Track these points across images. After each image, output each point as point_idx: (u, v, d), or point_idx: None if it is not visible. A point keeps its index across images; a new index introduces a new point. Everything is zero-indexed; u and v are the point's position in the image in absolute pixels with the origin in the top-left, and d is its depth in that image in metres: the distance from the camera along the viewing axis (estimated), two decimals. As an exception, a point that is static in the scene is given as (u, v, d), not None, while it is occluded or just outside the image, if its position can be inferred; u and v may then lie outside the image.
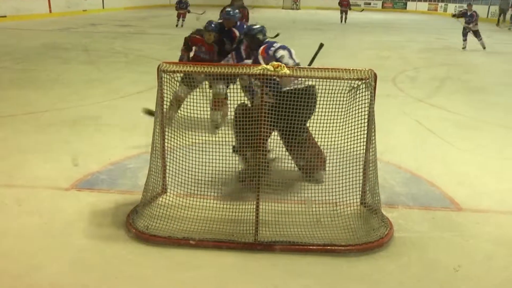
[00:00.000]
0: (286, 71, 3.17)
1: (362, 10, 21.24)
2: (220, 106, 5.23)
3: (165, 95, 3.50)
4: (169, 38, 15.28)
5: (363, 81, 3.23)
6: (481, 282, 2.97)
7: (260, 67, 3.22)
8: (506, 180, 4.51)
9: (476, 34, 13.82)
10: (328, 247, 3.14)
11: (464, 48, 13.84)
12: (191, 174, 3.47)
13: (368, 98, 3.30)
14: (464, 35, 13.91)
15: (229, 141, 3.61)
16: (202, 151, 3.51)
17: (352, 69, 3.28)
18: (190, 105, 3.51)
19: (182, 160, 3.50)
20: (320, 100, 3.35)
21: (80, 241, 3.25)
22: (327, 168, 3.81)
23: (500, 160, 5.03)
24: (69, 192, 3.97)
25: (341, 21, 23.58)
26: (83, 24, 20.33)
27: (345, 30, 20.14)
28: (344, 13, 23.70)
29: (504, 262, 3.19)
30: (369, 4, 39.35)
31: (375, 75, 3.31)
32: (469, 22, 13.84)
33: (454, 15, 15.83)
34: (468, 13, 13.95)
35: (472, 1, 14.89)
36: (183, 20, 20.09)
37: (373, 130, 3.40)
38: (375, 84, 3.32)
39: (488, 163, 4.93)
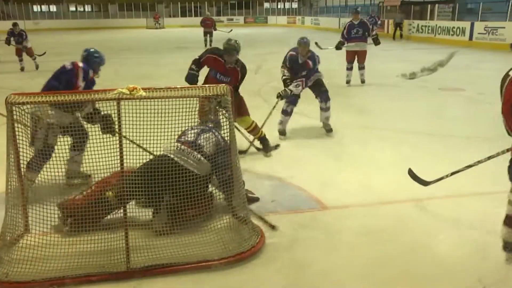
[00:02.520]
0: (142, 93, 3.16)
1: (231, 30, 20.90)
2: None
3: (17, 129, 3.29)
4: (30, 66, 14.32)
5: (220, 97, 3.33)
6: (346, 272, 3.20)
7: (116, 91, 3.17)
8: (362, 174, 4.91)
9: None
10: (203, 263, 3.17)
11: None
12: (55, 209, 3.29)
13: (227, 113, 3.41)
14: None
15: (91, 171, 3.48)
16: (63, 183, 3.35)
17: (208, 86, 3.37)
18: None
19: (44, 196, 3.31)
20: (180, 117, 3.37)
21: None
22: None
23: (356, 156, 5.46)
24: None
25: (206, 45, 19.37)
26: None
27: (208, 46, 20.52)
28: (208, 35, 20.04)
29: (364, 250, 3.47)
30: (232, 19, 40.61)
31: (231, 90, 3.43)
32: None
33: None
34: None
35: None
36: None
37: (235, 143, 3.51)
38: (232, 99, 3.45)
39: (346, 161, 5.33)
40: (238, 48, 5.20)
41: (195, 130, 3.86)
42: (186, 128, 3.83)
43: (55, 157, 3.26)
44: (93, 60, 4.58)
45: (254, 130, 5.64)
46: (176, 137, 3.74)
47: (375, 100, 9.05)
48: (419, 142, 6.01)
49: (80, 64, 4.46)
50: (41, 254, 3.16)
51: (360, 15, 10.53)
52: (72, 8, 45.29)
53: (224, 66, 5.27)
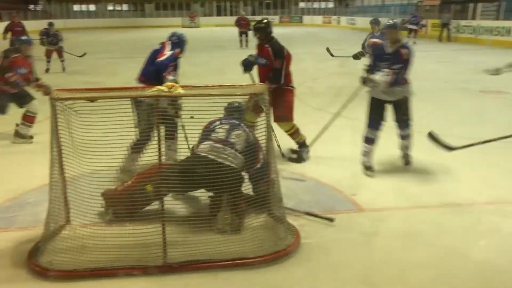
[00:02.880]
0: (181, 91, 3.20)
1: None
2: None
3: (60, 123, 3.38)
4: (67, 64, 14.69)
5: (258, 96, 3.34)
6: (382, 274, 3.16)
7: (155, 89, 3.22)
8: (400, 177, 4.84)
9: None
10: (238, 261, 3.18)
11: None
12: (95, 202, 3.37)
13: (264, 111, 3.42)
14: None
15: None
16: (103, 178, 3.43)
17: (246, 85, 3.38)
18: (88, 132, 3.40)
19: (84, 189, 3.39)
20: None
21: (-28, 288, 3.03)
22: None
23: (394, 159, 5.38)
24: (-40, 235, 3.69)
25: (241, 45, 19.54)
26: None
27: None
28: (244, 35, 19.54)
29: (401, 253, 3.43)
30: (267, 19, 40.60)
31: (269, 88, 3.44)
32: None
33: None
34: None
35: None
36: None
37: (273, 142, 3.52)
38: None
39: (384, 164, 5.26)
40: (256, 25, 5.39)
41: (225, 126, 3.86)
42: (212, 120, 3.90)
43: (98, 150, 3.33)
44: (184, 42, 5.26)
45: (294, 134, 5.44)
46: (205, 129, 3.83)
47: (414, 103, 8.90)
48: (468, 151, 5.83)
49: (167, 42, 5.15)
50: (82, 245, 3.25)
51: (378, 26, 9.16)
52: (110, 7, 46.22)
53: (258, 47, 5.42)
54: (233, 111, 4.09)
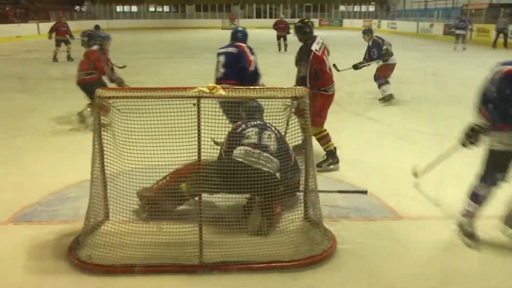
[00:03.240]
0: (222, 92, 3.22)
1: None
2: None
3: (103, 121, 3.46)
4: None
5: (298, 99, 3.33)
6: (420, 284, 3.09)
7: (196, 89, 3.25)
8: (441, 185, 4.72)
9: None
10: (273, 264, 3.17)
11: None
12: (133, 200, 3.43)
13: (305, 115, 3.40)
14: None
15: (170, 165, 3.59)
16: (142, 176, 3.48)
17: (287, 88, 3.37)
18: (129, 130, 3.47)
19: (124, 186, 3.46)
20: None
21: (16, 277, 3.12)
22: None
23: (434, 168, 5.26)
24: (5, 227, 3.81)
25: (279, 49, 19.22)
26: (17, 50, 19.73)
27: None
28: (282, 39, 19.16)
29: (439, 263, 3.34)
30: (307, 22, 40.45)
31: (310, 92, 3.42)
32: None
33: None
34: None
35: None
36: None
37: (310, 145, 3.50)
38: (310, 101, 3.43)
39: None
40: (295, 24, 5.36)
41: (254, 129, 3.83)
42: (237, 124, 3.90)
43: (139, 148, 3.40)
44: (247, 35, 5.68)
45: (321, 139, 5.22)
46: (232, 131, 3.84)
47: (453, 110, 8.70)
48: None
49: (243, 45, 5.48)
50: (120, 241, 3.31)
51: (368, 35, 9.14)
52: (152, 9, 47.06)
53: None
54: (253, 112, 4.09)
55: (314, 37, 5.16)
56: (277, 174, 3.62)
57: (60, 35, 15.54)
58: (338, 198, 4.37)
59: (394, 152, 5.88)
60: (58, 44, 15.54)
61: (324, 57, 5.13)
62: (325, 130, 5.23)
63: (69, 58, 15.37)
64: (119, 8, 45.07)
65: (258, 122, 3.94)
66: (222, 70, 5.39)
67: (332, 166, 5.20)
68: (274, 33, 20.57)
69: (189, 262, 3.18)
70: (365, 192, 4.04)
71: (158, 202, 3.67)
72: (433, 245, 3.58)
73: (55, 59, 15.34)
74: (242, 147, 3.70)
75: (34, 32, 27.94)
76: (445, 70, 9.78)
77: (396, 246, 3.55)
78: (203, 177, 3.33)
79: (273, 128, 3.88)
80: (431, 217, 4.06)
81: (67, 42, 15.57)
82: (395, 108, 7.12)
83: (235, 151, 3.70)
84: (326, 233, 3.52)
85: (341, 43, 24.71)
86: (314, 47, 5.01)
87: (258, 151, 3.66)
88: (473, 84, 4.14)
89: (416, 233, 3.75)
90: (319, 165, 5.02)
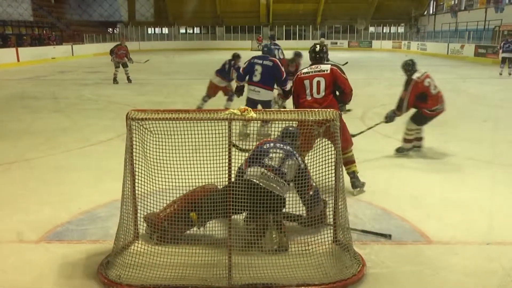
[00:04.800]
0: (253, 114, 3.24)
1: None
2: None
3: (135, 142, 3.52)
4: (140, 84, 15.39)
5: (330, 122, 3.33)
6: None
7: (228, 112, 3.28)
8: (472, 210, 4.62)
9: None
10: (302, 287, 3.14)
11: None
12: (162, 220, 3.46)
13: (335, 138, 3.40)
14: None
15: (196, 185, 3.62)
16: (172, 196, 3.51)
17: (318, 111, 3.38)
18: (161, 151, 3.52)
19: (153, 206, 3.50)
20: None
21: (48, 295, 3.17)
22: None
23: (465, 191, 5.15)
24: (38, 245, 3.88)
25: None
26: (51, 72, 20.31)
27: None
28: None
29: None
30: (336, 43, 40.56)
31: (340, 115, 3.42)
32: None
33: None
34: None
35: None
36: None
37: (341, 169, 3.48)
38: (341, 124, 3.43)
39: (454, 195, 5.04)
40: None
41: (280, 154, 3.84)
42: (265, 140, 3.95)
43: (169, 169, 3.44)
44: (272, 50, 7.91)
45: (347, 163, 5.05)
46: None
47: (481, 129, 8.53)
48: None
49: (275, 59, 7.48)
50: (149, 262, 3.33)
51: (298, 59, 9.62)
52: (182, 31, 47.96)
53: None
54: (286, 136, 4.12)
55: (316, 63, 5.23)
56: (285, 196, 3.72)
57: (120, 57, 15.73)
58: (367, 221, 4.32)
59: (424, 173, 5.79)
60: (117, 65, 15.78)
61: (307, 81, 5.07)
62: (351, 150, 5.15)
63: (128, 79, 15.67)
64: (150, 30, 46.10)
65: (288, 147, 3.94)
66: (259, 76, 7.14)
67: (359, 189, 5.07)
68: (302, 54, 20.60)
69: (217, 284, 3.17)
70: (389, 236, 3.96)
71: (166, 229, 3.64)
72: (465, 271, 3.47)
73: (115, 80, 15.59)
74: (259, 167, 3.73)
75: (68, 54, 28.79)
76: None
77: (426, 271, 3.47)
78: (212, 203, 3.38)
79: (298, 159, 3.88)
80: (463, 242, 3.96)
81: (125, 65, 15.79)
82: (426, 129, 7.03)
83: (251, 170, 3.73)
84: (356, 256, 3.48)
85: (371, 64, 24.63)
86: (304, 70, 5.23)
87: (273, 174, 3.70)
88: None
89: (447, 258, 3.65)
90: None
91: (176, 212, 3.72)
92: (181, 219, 3.62)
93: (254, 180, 3.65)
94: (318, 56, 5.25)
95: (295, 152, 3.91)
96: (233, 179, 3.43)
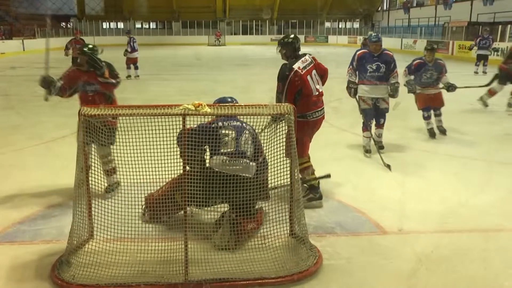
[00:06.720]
0: (208, 109, 3.23)
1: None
2: None
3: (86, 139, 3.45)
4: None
5: (283, 116, 3.35)
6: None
7: (182, 107, 3.25)
8: (425, 200, 4.76)
9: None
10: (259, 281, 3.17)
11: None
12: (117, 218, 3.41)
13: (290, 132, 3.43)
14: None
15: (155, 182, 3.59)
16: (128, 193, 3.46)
17: (272, 105, 3.39)
18: (115, 148, 3.46)
19: (108, 204, 3.44)
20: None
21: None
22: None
23: (418, 181, 5.31)
24: (-13, 247, 3.75)
25: None
26: (1, 67, 19.60)
27: (270, 64, 20.61)
28: None
29: (425, 277, 3.36)
30: (293, 38, 40.73)
31: (295, 109, 3.44)
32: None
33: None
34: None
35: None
36: None
37: (295, 161, 3.51)
38: (295, 118, 3.45)
39: (408, 185, 5.19)
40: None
41: (231, 133, 3.73)
42: (211, 120, 3.78)
43: (123, 165, 3.39)
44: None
45: (303, 171, 4.62)
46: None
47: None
48: (491, 171, 5.75)
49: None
50: (105, 260, 3.27)
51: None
52: (138, 25, 47.13)
53: None
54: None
55: (301, 55, 4.76)
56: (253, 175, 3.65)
57: (75, 52, 15.05)
58: (323, 213, 4.39)
59: (380, 166, 5.92)
60: (74, 62, 15.03)
61: (309, 77, 4.66)
62: (307, 161, 4.73)
63: None
64: (105, 25, 45.10)
65: (236, 123, 3.81)
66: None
67: (314, 202, 4.60)
68: (259, 49, 20.73)
69: (174, 280, 3.15)
70: (328, 176, 4.55)
71: (157, 209, 3.78)
72: (418, 260, 3.58)
73: None
74: (219, 157, 3.67)
75: (19, 49, 27.81)
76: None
77: (381, 261, 3.56)
78: (189, 186, 3.35)
79: (248, 128, 3.81)
80: (416, 231, 4.08)
81: None
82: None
83: (212, 160, 3.68)
84: (312, 249, 3.53)
85: (327, 59, 24.92)
86: (298, 65, 4.60)
87: (234, 158, 3.66)
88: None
89: (401, 248, 3.76)
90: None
91: (165, 194, 3.74)
92: (169, 201, 3.62)
93: (217, 170, 3.62)
94: (300, 46, 4.85)
95: (243, 123, 3.82)
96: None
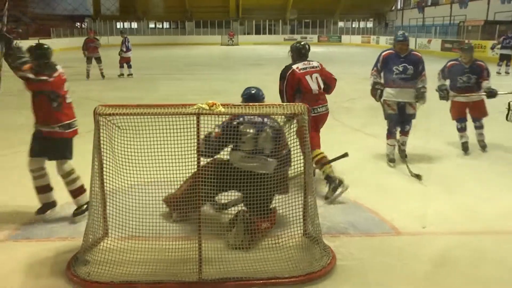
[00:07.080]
0: (222, 109, 3.24)
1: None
2: None
3: (102, 138, 3.48)
4: (112, 79, 15.14)
5: (297, 116, 3.36)
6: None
7: (196, 106, 3.27)
8: (440, 201, 4.73)
9: None
10: (273, 280, 3.17)
11: None
12: (132, 216, 3.43)
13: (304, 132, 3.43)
14: None
15: (169, 181, 3.60)
16: (142, 192, 3.49)
17: (286, 105, 3.40)
18: (129, 147, 3.48)
19: (122, 202, 3.47)
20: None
21: (14, 295, 3.11)
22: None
23: (434, 184, 5.27)
24: (4, 244, 3.80)
25: None
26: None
27: (283, 64, 20.58)
28: None
29: (439, 280, 3.34)
30: (305, 38, 40.70)
31: (309, 109, 3.45)
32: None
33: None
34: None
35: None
36: None
37: (309, 162, 3.51)
38: (309, 117, 3.46)
39: (422, 187, 5.15)
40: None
41: (251, 130, 3.74)
42: (232, 117, 3.77)
43: (139, 165, 3.41)
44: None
45: (318, 162, 4.88)
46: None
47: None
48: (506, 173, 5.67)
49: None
50: (119, 258, 3.30)
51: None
52: (152, 25, 47.39)
53: None
54: (249, 99, 4.04)
55: (305, 59, 5.20)
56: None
57: (91, 52, 15.02)
58: (337, 214, 4.38)
59: (393, 166, 5.89)
60: (89, 61, 15.09)
61: (308, 77, 5.03)
62: (321, 152, 4.93)
63: (102, 75, 15.20)
64: (119, 25, 45.42)
65: (257, 119, 3.80)
66: None
67: (339, 190, 4.72)
68: (272, 48, 20.74)
69: (188, 279, 3.17)
70: (346, 155, 4.66)
71: (183, 205, 3.67)
72: (432, 261, 3.56)
73: (88, 76, 15.06)
74: (238, 152, 3.72)
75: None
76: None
77: (394, 262, 3.54)
78: (208, 179, 3.41)
79: (269, 123, 3.80)
80: (430, 232, 4.05)
81: (98, 61, 15.13)
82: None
83: (231, 155, 3.74)
84: (326, 249, 3.52)
85: (341, 58, 24.85)
86: (297, 66, 5.08)
87: (252, 155, 3.69)
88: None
89: (414, 249, 3.74)
90: (326, 197, 4.72)
91: (188, 191, 3.69)
92: (195, 198, 3.53)
93: (235, 165, 3.64)
94: (307, 53, 5.26)
95: (264, 119, 3.81)
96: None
